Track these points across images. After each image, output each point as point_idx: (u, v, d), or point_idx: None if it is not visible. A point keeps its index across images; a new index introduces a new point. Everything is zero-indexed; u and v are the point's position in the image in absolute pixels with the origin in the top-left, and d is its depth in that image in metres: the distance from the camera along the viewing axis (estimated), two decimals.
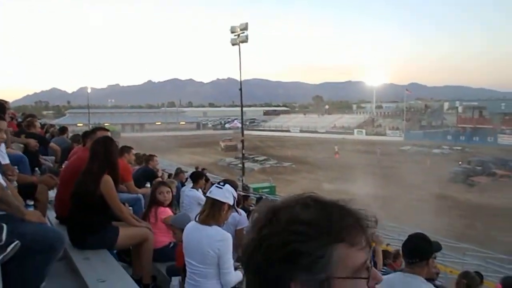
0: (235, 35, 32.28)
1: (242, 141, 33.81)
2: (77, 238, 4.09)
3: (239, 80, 31.31)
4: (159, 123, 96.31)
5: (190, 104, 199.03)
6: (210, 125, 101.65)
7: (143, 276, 4.31)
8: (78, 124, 67.77)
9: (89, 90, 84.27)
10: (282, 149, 58.60)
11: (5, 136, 4.19)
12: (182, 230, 3.74)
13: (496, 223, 22.49)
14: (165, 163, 30.53)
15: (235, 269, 3.46)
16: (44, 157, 7.69)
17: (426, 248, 3.12)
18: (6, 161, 4.25)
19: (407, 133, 65.03)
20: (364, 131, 72.41)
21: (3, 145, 4.30)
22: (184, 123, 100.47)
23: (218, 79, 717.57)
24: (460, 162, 37.74)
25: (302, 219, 0.87)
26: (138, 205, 6.30)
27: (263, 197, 16.27)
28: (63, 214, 4.54)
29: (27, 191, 4.04)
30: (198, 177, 8.04)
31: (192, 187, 7.78)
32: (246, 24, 31.97)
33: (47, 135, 10.25)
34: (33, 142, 6.30)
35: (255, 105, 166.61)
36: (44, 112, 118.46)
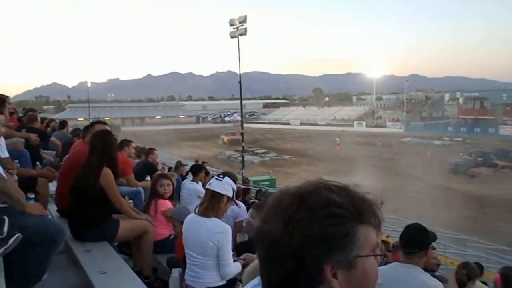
0: (234, 28, 32.17)
1: (242, 134, 33.81)
2: (78, 231, 4.12)
3: (238, 73, 31.26)
4: (159, 117, 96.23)
5: (189, 98, 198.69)
6: (209, 119, 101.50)
7: (143, 268, 4.35)
8: (79, 119, 67.77)
9: (89, 85, 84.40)
10: (282, 141, 58.59)
11: (3, 130, 4.21)
12: (182, 222, 3.77)
13: (497, 214, 22.54)
14: (165, 157, 30.56)
15: (234, 261, 3.50)
16: (45, 151, 7.72)
17: (424, 238, 3.14)
18: (6, 154, 4.27)
19: (407, 124, 64.88)
20: (364, 123, 72.27)
21: (2, 138, 4.31)
22: (183, 116, 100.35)
23: (217, 72, 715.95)
24: (461, 154, 37.66)
25: (335, 202, 0.90)
26: (138, 198, 6.33)
27: (263, 189, 16.27)
28: (63, 207, 4.57)
29: (27, 184, 4.07)
30: (198, 170, 8.06)
31: (192, 180, 7.81)
32: (245, 17, 31.86)
33: (48, 129, 10.26)
34: (33, 137, 6.32)
35: (254, 98, 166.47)
36: (45, 107, 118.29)
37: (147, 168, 7.83)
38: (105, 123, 5.48)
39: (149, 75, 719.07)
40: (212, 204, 3.43)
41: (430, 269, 4.62)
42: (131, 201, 5.98)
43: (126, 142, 6.92)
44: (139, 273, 4.11)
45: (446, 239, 15.37)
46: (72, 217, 4.17)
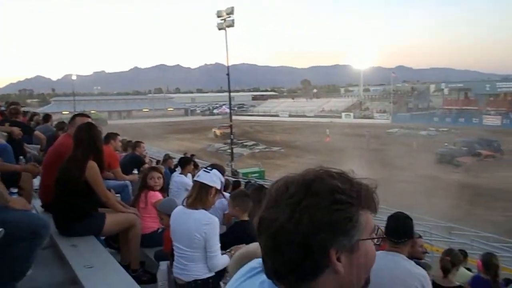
0: (221, 20, 32.07)
1: (231, 127, 33.81)
2: (63, 225, 4.08)
3: (226, 65, 31.16)
4: (147, 109, 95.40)
5: (177, 90, 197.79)
6: (198, 111, 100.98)
7: (131, 262, 4.33)
8: (64, 112, 66.82)
9: (74, 77, 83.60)
10: (271, 133, 58.56)
11: None
12: (169, 215, 3.75)
13: (481, 202, 22.84)
14: (153, 150, 30.43)
15: (223, 253, 3.50)
16: (29, 145, 7.61)
17: (410, 226, 3.16)
18: None
19: (394, 115, 65.30)
20: (352, 114, 72.59)
21: None
22: (172, 109, 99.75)
23: (205, 64, 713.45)
24: (446, 144, 38.04)
25: (339, 188, 0.94)
26: (126, 192, 6.29)
27: (252, 181, 16.28)
28: (47, 200, 4.51)
29: (10, 179, 4.00)
30: (186, 163, 8.04)
31: (180, 173, 7.79)
32: (232, 8, 31.76)
33: (31, 123, 10.12)
34: (16, 131, 6.22)
35: (243, 90, 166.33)
36: (29, 101, 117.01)
37: (134, 161, 7.77)
38: (87, 116, 5.41)
39: (135, 67, 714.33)
40: (200, 196, 3.43)
41: (417, 257, 4.67)
42: (118, 195, 5.94)
43: (112, 135, 6.86)
44: (127, 267, 4.09)
45: (432, 227, 15.56)
46: (57, 211, 4.12)
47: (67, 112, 64.50)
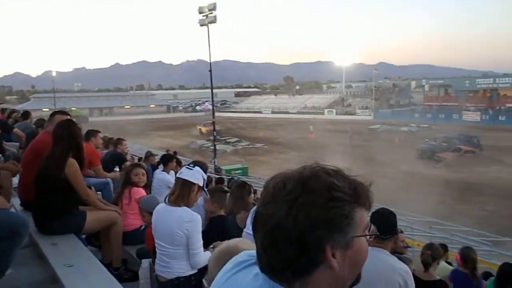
0: (203, 16, 31.88)
1: (213, 123, 33.71)
2: (43, 223, 4.02)
3: (209, 61, 30.99)
4: (128, 106, 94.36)
5: (159, 87, 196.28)
6: (181, 108, 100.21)
7: (112, 260, 4.29)
8: (44, 109, 65.72)
9: (54, 74, 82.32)
10: (254, 130, 58.58)
11: None
12: (150, 213, 3.73)
13: (461, 197, 23.23)
14: (135, 147, 30.21)
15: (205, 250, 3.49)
16: (7, 143, 7.49)
17: (395, 222, 3.17)
18: None
19: (376, 112, 65.86)
20: (334, 110, 72.98)
21: None
22: (154, 106, 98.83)
23: (188, 61, 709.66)
24: (427, 139, 38.56)
25: (336, 186, 0.95)
26: (107, 190, 6.22)
27: (235, 178, 16.28)
28: (27, 199, 4.44)
29: None
30: (168, 160, 8.00)
31: (162, 170, 7.75)
32: (214, 4, 31.59)
33: (10, 120, 9.95)
34: None
35: (226, 87, 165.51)
36: (8, 97, 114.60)
37: (115, 158, 7.68)
38: (67, 113, 5.34)
39: (117, 63, 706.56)
40: (183, 193, 3.41)
41: (399, 252, 4.72)
42: (99, 192, 5.88)
43: (92, 133, 6.77)
44: (108, 265, 4.06)
45: (414, 222, 15.77)
46: (37, 209, 4.06)
47: (47, 109, 63.49)
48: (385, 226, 3.06)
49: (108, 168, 6.75)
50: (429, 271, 4.42)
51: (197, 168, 3.57)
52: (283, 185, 0.96)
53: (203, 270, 3.47)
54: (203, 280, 3.43)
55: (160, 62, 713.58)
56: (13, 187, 4.81)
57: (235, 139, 48.87)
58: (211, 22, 31.52)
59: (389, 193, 21.50)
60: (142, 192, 5.11)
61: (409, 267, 3.09)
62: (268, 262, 0.96)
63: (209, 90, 34.98)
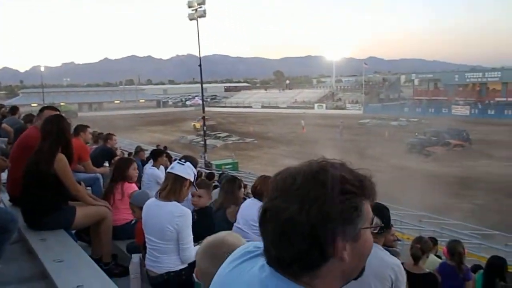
0: (192, 10, 31.75)
1: (203, 118, 33.64)
2: (32, 219, 3.99)
3: (198, 56, 30.88)
4: (118, 101, 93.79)
5: (149, 82, 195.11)
6: (170, 103, 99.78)
7: (102, 255, 4.27)
8: (32, 104, 64.87)
9: (42, 69, 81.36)
10: (244, 125, 58.52)
11: None
12: (141, 208, 3.72)
13: (450, 190, 23.41)
14: (125, 142, 30.05)
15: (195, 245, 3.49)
16: None
17: (389, 216, 3.18)
18: None
19: (366, 106, 66.14)
20: (324, 105, 73.14)
21: None
22: (143, 101, 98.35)
23: (177, 55, 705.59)
24: (416, 134, 38.73)
25: (345, 179, 0.97)
26: (97, 185, 6.20)
27: (225, 173, 16.29)
28: (16, 194, 4.41)
29: None
30: (158, 155, 7.99)
31: (152, 165, 7.74)
32: None
33: None
34: None
35: (216, 82, 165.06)
36: None
37: (105, 153, 7.64)
38: (55, 109, 5.30)
39: (106, 58, 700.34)
40: (175, 188, 3.42)
41: (389, 246, 4.75)
42: (89, 187, 5.85)
43: (82, 128, 6.72)
44: (98, 260, 4.04)
45: (403, 216, 15.88)
46: (26, 204, 4.03)
47: (36, 104, 62.83)
48: (383, 221, 3.07)
49: (98, 163, 6.72)
50: (418, 264, 4.47)
51: (188, 163, 3.58)
52: (292, 180, 0.97)
53: (193, 265, 3.47)
54: (194, 275, 3.44)
55: (149, 56, 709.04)
56: (2, 182, 4.77)
57: (225, 134, 48.80)
58: (200, 16, 31.42)
59: (379, 187, 21.66)
60: (134, 187, 5.11)
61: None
62: (276, 256, 0.97)
63: (199, 85, 34.92)
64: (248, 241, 2.78)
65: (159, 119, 68.02)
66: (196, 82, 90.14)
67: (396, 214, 15.13)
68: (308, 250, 0.93)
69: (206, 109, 38.21)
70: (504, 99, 54.91)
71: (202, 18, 31.57)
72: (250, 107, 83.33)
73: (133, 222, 4.81)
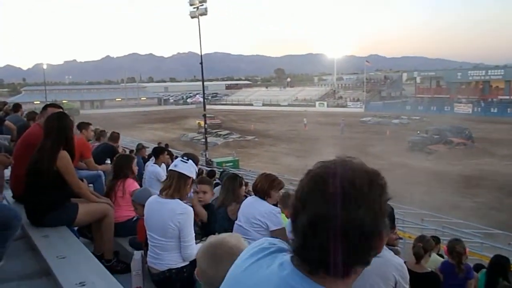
0: (194, 8, 31.72)
1: (204, 116, 33.63)
2: (35, 216, 4.00)
3: (200, 54, 30.88)
4: (119, 99, 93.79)
5: (150, 80, 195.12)
6: (172, 101, 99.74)
7: (104, 252, 4.28)
8: (35, 102, 65.27)
9: (45, 67, 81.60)
10: (245, 123, 58.47)
11: None
12: (143, 205, 3.74)
13: (452, 189, 23.36)
14: (127, 140, 30.09)
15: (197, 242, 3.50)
16: None
17: (393, 216, 3.16)
18: None
19: (367, 104, 66.03)
20: (325, 103, 73.05)
21: None
22: (145, 98, 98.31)
23: (178, 53, 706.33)
24: (418, 132, 38.62)
25: (383, 180, 1.02)
26: (99, 182, 6.22)
27: (226, 171, 16.29)
28: (19, 191, 4.42)
29: None
30: (160, 153, 8.01)
31: (154, 163, 7.76)
32: None
33: (0, 113, 9.85)
34: None
35: (217, 79, 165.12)
36: None
37: (107, 151, 7.67)
38: (59, 106, 5.31)
39: (107, 56, 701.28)
40: (179, 186, 3.44)
41: (391, 244, 4.76)
42: (91, 185, 5.86)
43: (84, 125, 6.75)
44: (100, 257, 4.05)
45: (405, 215, 15.85)
46: (29, 201, 4.04)
47: (38, 102, 63.07)
48: (390, 222, 3.06)
49: (100, 161, 6.74)
50: (420, 263, 4.46)
51: (191, 161, 3.60)
52: (350, 184, 0.96)
53: (195, 263, 3.49)
54: (195, 272, 3.45)
55: (151, 54, 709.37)
56: (5, 179, 4.79)
57: (226, 131, 48.77)
58: (202, 14, 31.38)
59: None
60: (136, 184, 5.11)
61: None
62: (319, 259, 0.96)
63: (200, 83, 34.83)
64: (248, 238, 2.80)
65: (161, 117, 68.00)
66: (197, 80, 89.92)
67: (398, 212, 15.10)
68: (365, 248, 0.97)
69: (207, 107, 38.20)
70: (507, 97, 54.80)
71: (204, 16, 31.53)
72: (251, 105, 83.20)
73: (134, 219, 4.83)
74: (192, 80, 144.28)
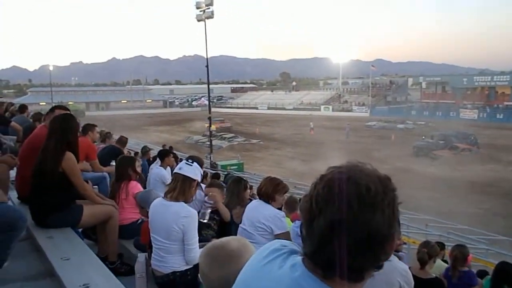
0: (200, 11, 31.77)
1: (210, 119, 33.65)
2: (40, 217, 4.01)
3: (205, 57, 30.93)
4: (125, 101, 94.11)
5: (156, 82, 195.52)
6: (177, 103, 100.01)
7: (108, 254, 4.29)
8: (41, 103, 65.47)
9: (51, 68, 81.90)
10: (250, 126, 58.46)
11: None
12: (148, 207, 3.74)
13: (457, 195, 23.24)
14: (132, 142, 30.13)
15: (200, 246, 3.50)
16: (5, 136, 7.46)
17: (399, 219, 3.16)
18: None
19: (372, 108, 65.89)
20: (330, 107, 73.00)
21: None
22: (150, 101, 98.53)
23: (184, 56, 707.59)
24: (423, 137, 38.48)
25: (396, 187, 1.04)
26: (104, 184, 6.22)
27: (231, 174, 16.30)
28: (24, 192, 4.44)
29: None
30: (165, 155, 8.02)
31: (159, 165, 7.77)
32: None
33: (6, 114, 9.91)
34: None
35: (222, 82, 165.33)
36: (5, 91, 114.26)
37: (112, 153, 7.68)
38: (66, 108, 5.33)
39: (113, 58, 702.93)
40: (184, 189, 3.45)
41: (395, 250, 4.74)
42: (96, 186, 5.87)
43: (89, 127, 6.76)
44: (105, 259, 4.06)
45: (409, 220, 15.78)
46: (34, 203, 4.06)
47: (44, 103, 63.32)
48: None
49: (105, 163, 6.75)
50: (425, 269, 4.44)
51: (195, 164, 3.62)
52: (367, 190, 0.98)
53: (198, 266, 3.48)
54: (199, 276, 3.45)
55: (157, 57, 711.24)
56: (11, 180, 4.80)
57: (231, 134, 48.77)
58: (208, 18, 31.43)
59: None
60: (139, 186, 5.11)
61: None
62: (344, 262, 0.97)
63: (206, 86, 34.92)
64: (253, 242, 2.79)
65: (166, 119, 68.16)
66: (203, 83, 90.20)
67: (403, 218, 15.03)
68: (379, 253, 0.99)
69: (212, 109, 38.22)
70: None
71: (210, 19, 31.60)
72: (256, 108, 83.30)
73: (139, 221, 4.84)
74: (197, 83, 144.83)
